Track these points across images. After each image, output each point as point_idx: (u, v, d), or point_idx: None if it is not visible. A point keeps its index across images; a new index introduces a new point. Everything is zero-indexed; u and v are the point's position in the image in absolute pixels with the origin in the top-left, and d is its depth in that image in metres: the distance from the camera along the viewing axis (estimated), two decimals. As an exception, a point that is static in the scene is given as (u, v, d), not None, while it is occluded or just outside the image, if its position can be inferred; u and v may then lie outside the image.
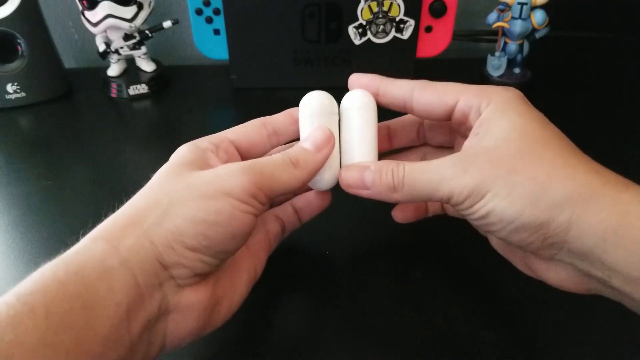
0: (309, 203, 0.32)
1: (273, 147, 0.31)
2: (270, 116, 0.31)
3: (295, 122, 0.30)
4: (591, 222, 0.22)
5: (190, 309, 0.24)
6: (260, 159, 0.27)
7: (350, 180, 0.29)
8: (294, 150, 0.28)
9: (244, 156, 0.30)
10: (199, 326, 0.25)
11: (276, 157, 0.27)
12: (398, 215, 0.33)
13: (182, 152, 0.27)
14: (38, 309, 0.19)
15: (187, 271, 0.23)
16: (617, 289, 0.22)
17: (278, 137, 0.31)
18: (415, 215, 0.34)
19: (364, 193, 0.28)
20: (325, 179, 0.30)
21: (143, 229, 0.23)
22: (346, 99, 0.30)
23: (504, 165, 0.24)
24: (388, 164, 0.27)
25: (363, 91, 0.30)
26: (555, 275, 0.26)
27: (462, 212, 0.26)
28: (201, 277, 0.25)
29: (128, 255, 0.22)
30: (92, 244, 0.23)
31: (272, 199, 0.26)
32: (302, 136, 0.30)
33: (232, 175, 0.25)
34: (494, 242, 0.30)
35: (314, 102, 0.29)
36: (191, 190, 0.24)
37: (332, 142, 0.29)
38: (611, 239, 0.22)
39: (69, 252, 0.22)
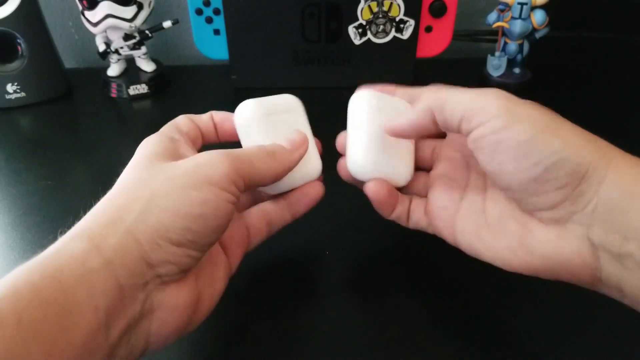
0: (304, 195, 0.31)
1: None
2: (196, 114, 0.31)
3: (212, 121, 0.31)
4: (625, 173, 0.22)
5: (174, 307, 0.23)
6: (236, 149, 0.27)
7: (393, 126, 0.29)
8: (269, 145, 0.28)
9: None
10: (183, 324, 0.24)
11: (253, 148, 0.27)
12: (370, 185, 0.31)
13: (150, 143, 0.27)
14: (7, 317, 0.18)
15: (173, 268, 0.23)
16: (630, 255, 0.22)
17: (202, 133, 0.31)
18: (387, 195, 0.30)
19: (404, 123, 0.29)
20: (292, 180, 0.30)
21: (126, 226, 0.22)
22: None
23: (544, 109, 0.25)
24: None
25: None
26: (565, 246, 0.24)
27: (488, 136, 0.24)
28: (185, 272, 0.24)
29: (111, 256, 0.21)
30: (71, 244, 0.21)
31: (247, 188, 0.26)
32: (245, 144, 0.30)
33: (213, 163, 0.24)
34: (473, 240, 0.28)
35: (250, 110, 0.30)
36: (172, 182, 0.23)
37: (306, 144, 0.29)
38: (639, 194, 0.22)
39: (47, 252, 0.21)
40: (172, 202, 0.23)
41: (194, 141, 0.30)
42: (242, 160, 0.25)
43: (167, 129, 0.29)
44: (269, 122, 0.30)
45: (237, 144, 0.31)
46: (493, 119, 0.24)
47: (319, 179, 0.32)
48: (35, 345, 0.18)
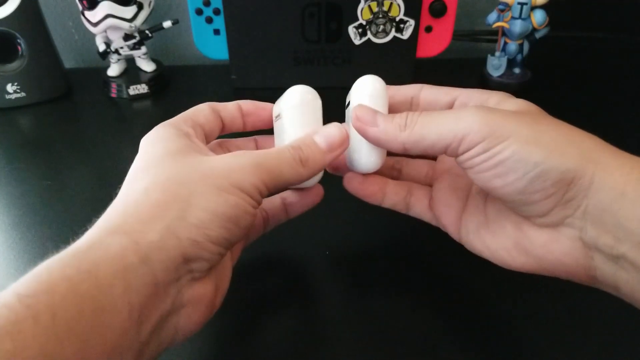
0: (302, 197, 0.31)
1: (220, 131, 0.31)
2: (220, 103, 0.31)
3: (242, 112, 0.31)
4: (614, 174, 0.22)
5: (201, 300, 0.24)
6: (270, 152, 0.26)
7: (363, 114, 0.27)
8: (305, 146, 0.27)
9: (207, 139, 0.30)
10: (207, 315, 0.25)
11: (286, 153, 0.26)
12: (351, 177, 0.31)
13: (166, 138, 0.26)
14: (42, 314, 0.17)
15: (206, 264, 0.23)
16: (623, 257, 0.22)
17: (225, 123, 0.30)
18: (372, 190, 0.31)
19: (371, 130, 0.27)
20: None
21: (166, 223, 0.22)
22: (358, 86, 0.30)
23: (526, 117, 0.25)
24: (404, 113, 0.27)
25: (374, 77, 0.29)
26: (558, 248, 0.24)
27: (473, 159, 0.24)
28: (211, 269, 0.24)
29: (150, 252, 0.21)
30: (108, 238, 0.21)
31: (270, 194, 0.26)
32: (288, 131, 0.29)
33: (244, 170, 0.24)
34: (474, 238, 0.29)
35: (297, 96, 0.29)
36: (208, 182, 0.23)
37: (346, 144, 0.28)
38: (631, 194, 0.21)
39: (80, 246, 0.21)
40: (209, 202, 0.23)
41: (210, 134, 0.29)
42: (272, 171, 0.25)
43: (181, 120, 0.28)
44: (318, 109, 0.29)
45: (264, 132, 0.32)
46: (476, 146, 0.24)
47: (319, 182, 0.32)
48: (69, 343, 0.17)
